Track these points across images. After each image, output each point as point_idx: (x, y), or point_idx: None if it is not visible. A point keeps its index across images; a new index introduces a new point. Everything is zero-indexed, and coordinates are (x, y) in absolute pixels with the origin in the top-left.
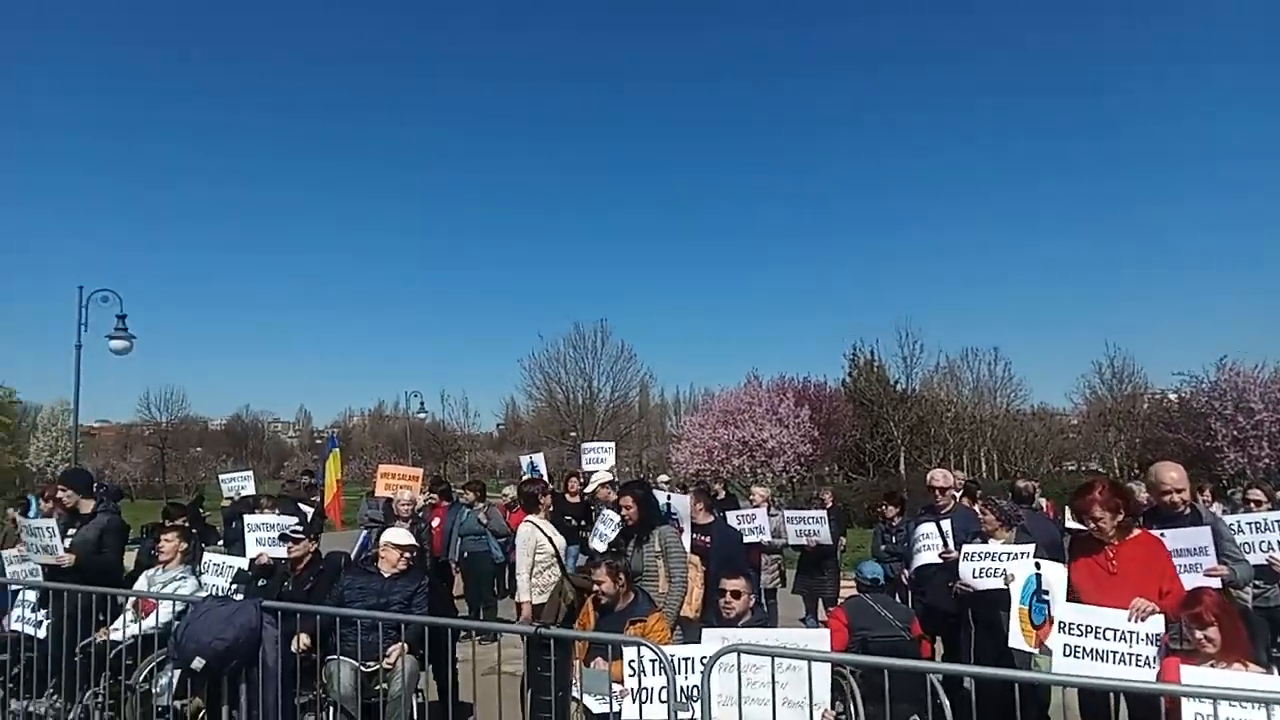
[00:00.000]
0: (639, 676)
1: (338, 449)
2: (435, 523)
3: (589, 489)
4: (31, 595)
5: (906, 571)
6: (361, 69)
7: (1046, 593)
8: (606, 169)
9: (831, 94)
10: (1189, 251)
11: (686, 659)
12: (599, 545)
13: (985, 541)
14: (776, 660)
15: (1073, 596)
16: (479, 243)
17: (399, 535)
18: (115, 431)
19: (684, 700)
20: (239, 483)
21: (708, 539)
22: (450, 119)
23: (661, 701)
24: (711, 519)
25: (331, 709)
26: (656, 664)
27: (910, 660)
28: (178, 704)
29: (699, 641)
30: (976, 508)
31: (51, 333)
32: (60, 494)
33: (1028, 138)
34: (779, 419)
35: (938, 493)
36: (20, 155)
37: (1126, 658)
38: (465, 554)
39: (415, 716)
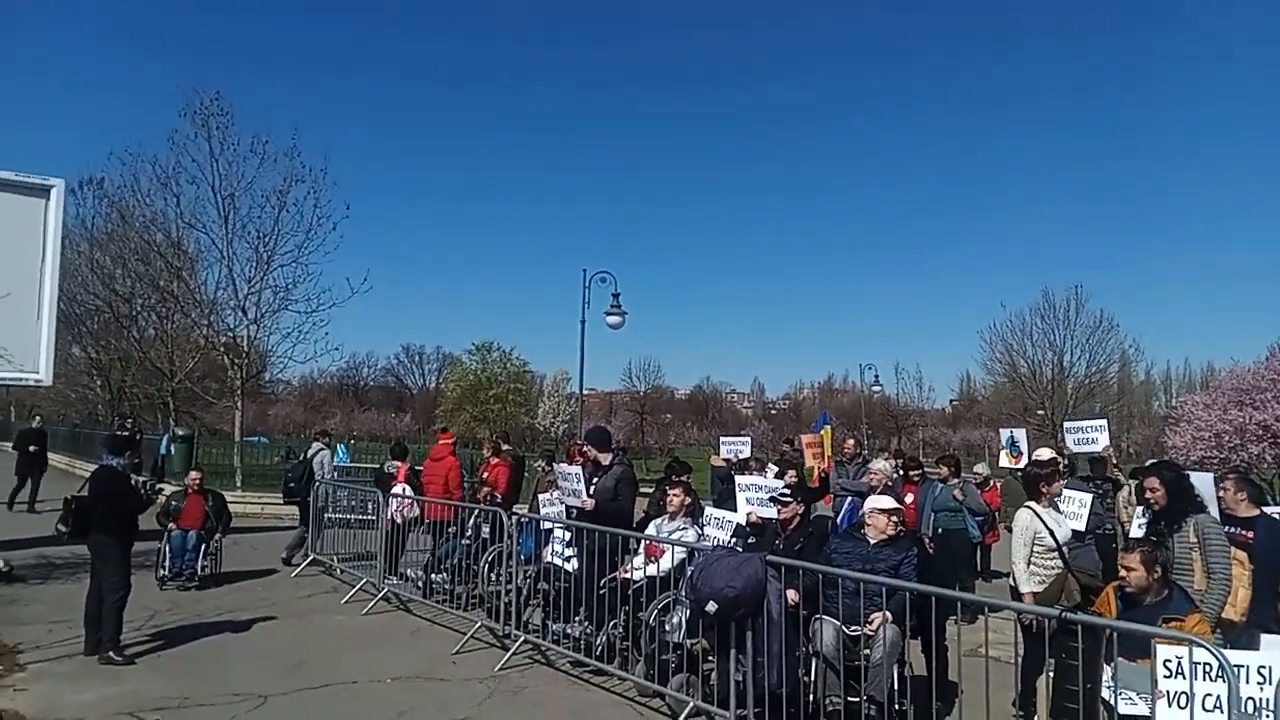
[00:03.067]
0: (1184, 679)
1: (829, 425)
2: (908, 499)
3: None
4: (564, 533)
5: None
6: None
7: None
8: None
9: None
10: None
11: (1255, 667)
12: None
13: None
14: None
15: None
16: (934, 211)
17: (884, 501)
18: (600, 398)
19: (1248, 714)
20: (737, 446)
21: (1250, 534)
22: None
23: (1209, 711)
24: (1256, 513)
25: (814, 661)
26: (1213, 669)
27: None
28: (688, 642)
29: (1247, 648)
30: None
31: (554, 313)
32: (585, 449)
33: None
34: None
35: None
36: (528, 164)
37: None
38: (939, 530)
39: (897, 688)
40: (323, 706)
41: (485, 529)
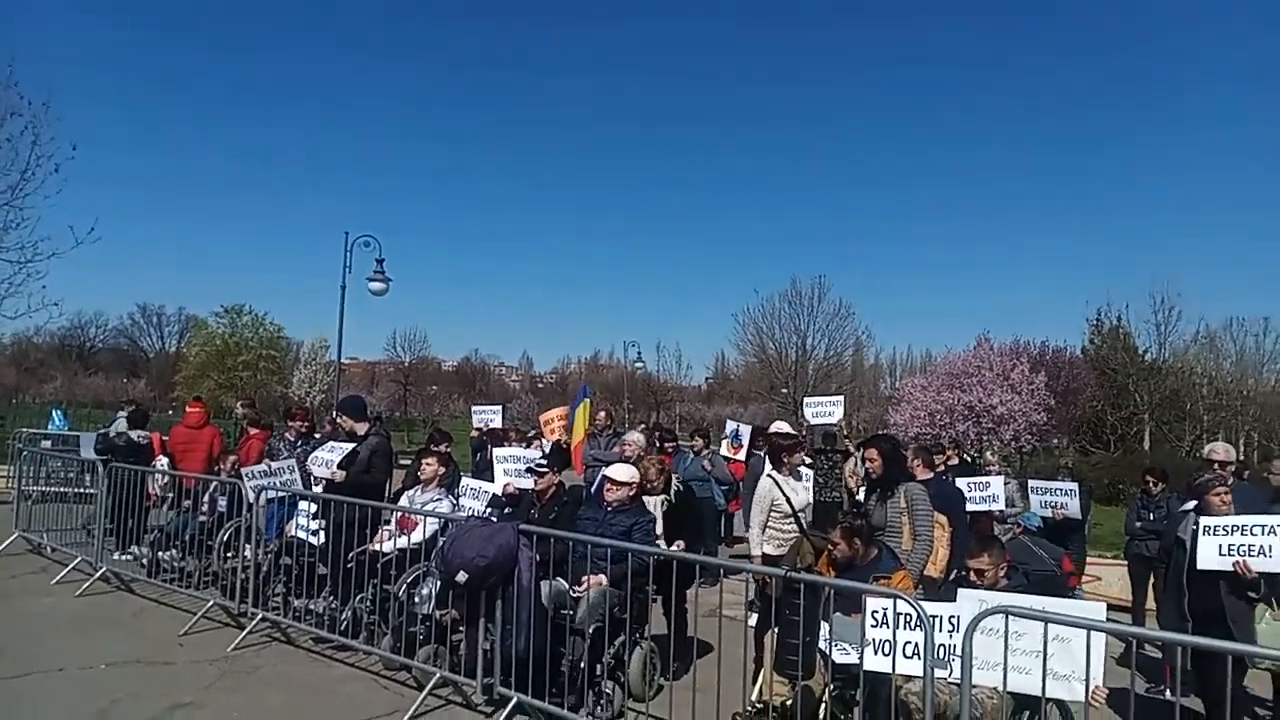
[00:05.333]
0: (889, 628)
1: (589, 399)
2: None
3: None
4: (309, 505)
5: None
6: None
7: None
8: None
9: None
10: None
11: (947, 617)
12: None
13: None
14: (1049, 628)
15: None
16: (699, 195)
17: (617, 470)
18: (362, 368)
19: (941, 659)
20: (488, 415)
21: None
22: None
23: (908, 658)
24: (930, 475)
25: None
26: (912, 619)
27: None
28: (438, 613)
29: (945, 601)
30: None
31: (314, 276)
32: (338, 419)
33: None
34: (1011, 385)
35: (1218, 467)
36: (293, 122)
37: None
38: None
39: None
40: (22, 698)
41: (222, 502)
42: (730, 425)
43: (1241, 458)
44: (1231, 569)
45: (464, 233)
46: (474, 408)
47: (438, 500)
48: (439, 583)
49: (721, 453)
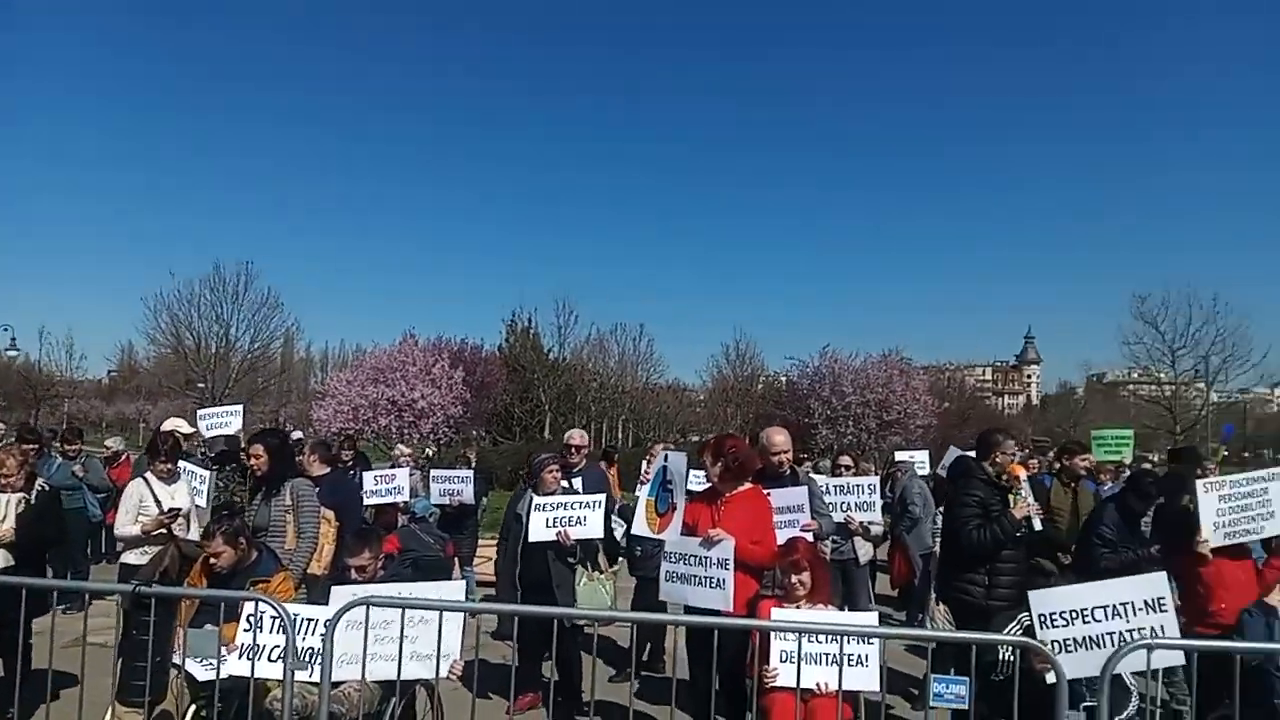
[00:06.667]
0: (254, 634)
1: None
2: None
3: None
4: None
5: None
6: None
7: (670, 482)
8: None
9: None
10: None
11: (311, 619)
12: None
13: None
14: (408, 613)
15: (687, 532)
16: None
17: None
18: None
19: (303, 659)
20: None
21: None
22: None
23: (272, 662)
24: (326, 470)
25: None
26: (276, 622)
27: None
28: None
29: (326, 601)
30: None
31: None
32: None
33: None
34: (432, 379)
35: (573, 450)
36: None
37: (706, 580)
38: None
39: None
40: None
41: None
42: None
43: (619, 442)
44: (555, 539)
45: None
46: None
47: None
48: None
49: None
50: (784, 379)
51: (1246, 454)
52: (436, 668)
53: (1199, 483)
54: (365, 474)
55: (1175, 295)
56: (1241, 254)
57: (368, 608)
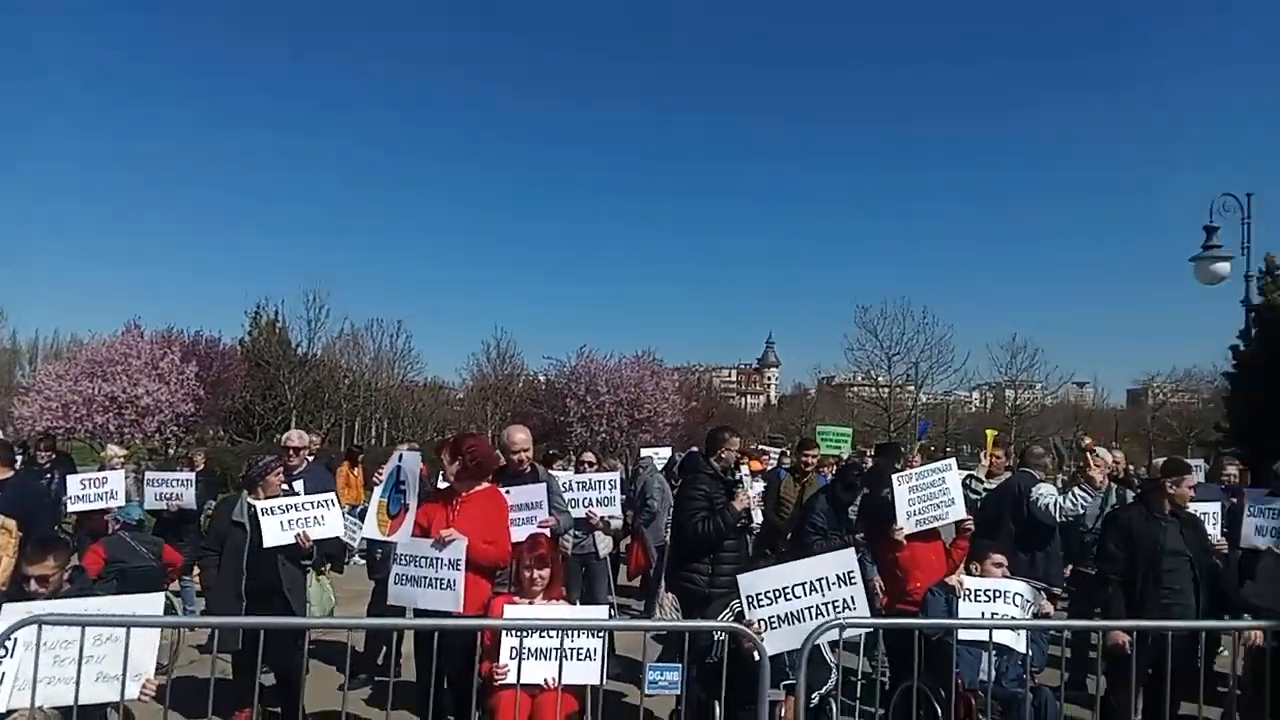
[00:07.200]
0: None
1: None
2: None
3: None
4: None
5: None
6: None
7: (404, 484)
8: None
9: None
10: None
11: None
12: None
13: None
14: (94, 630)
15: (422, 533)
16: None
17: None
18: None
19: None
20: None
21: None
22: None
23: None
24: (10, 474)
25: None
26: None
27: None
28: None
29: None
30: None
31: None
32: None
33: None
34: (159, 374)
35: (292, 453)
36: None
37: (436, 582)
38: None
39: None
40: None
41: None
42: None
43: (373, 441)
44: (295, 541)
45: None
46: None
47: None
48: None
49: None
50: (542, 378)
51: (949, 449)
52: (122, 689)
53: (894, 476)
54: (69, 477)
55: (891, 306)
56: (943, 273)
57: (39, 627)
